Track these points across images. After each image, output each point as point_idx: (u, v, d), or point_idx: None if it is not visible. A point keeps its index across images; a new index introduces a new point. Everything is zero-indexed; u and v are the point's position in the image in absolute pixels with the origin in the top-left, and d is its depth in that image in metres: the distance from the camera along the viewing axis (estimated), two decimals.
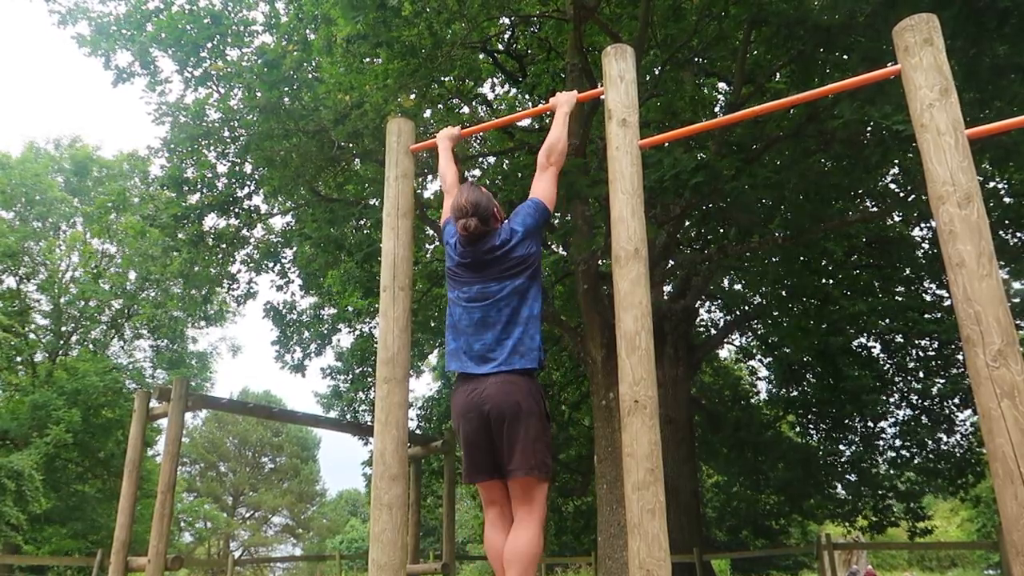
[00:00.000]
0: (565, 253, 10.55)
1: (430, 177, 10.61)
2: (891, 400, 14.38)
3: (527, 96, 11.04)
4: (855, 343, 14.20)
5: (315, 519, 42.34)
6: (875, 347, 14.37)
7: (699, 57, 9.75)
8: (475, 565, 26.66)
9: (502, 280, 2.71)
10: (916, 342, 13.80)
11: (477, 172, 11.10)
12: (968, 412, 13.68)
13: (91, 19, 8.50)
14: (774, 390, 16.01)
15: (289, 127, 7.91)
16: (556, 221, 10.51)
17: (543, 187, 2.88)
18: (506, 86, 11.82)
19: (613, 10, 9.48)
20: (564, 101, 3.04)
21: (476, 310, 2.72)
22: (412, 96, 8.12)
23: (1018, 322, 10.22)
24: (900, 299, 13.14)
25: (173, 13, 8.18)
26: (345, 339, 16.48)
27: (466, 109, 11.00)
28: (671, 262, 10.17)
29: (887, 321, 13.39)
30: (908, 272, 12.69)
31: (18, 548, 17.58)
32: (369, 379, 14.54)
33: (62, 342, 21.47)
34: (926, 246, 12.20)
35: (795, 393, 15.19)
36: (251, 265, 11.30)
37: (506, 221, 2.84)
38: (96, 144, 22.30)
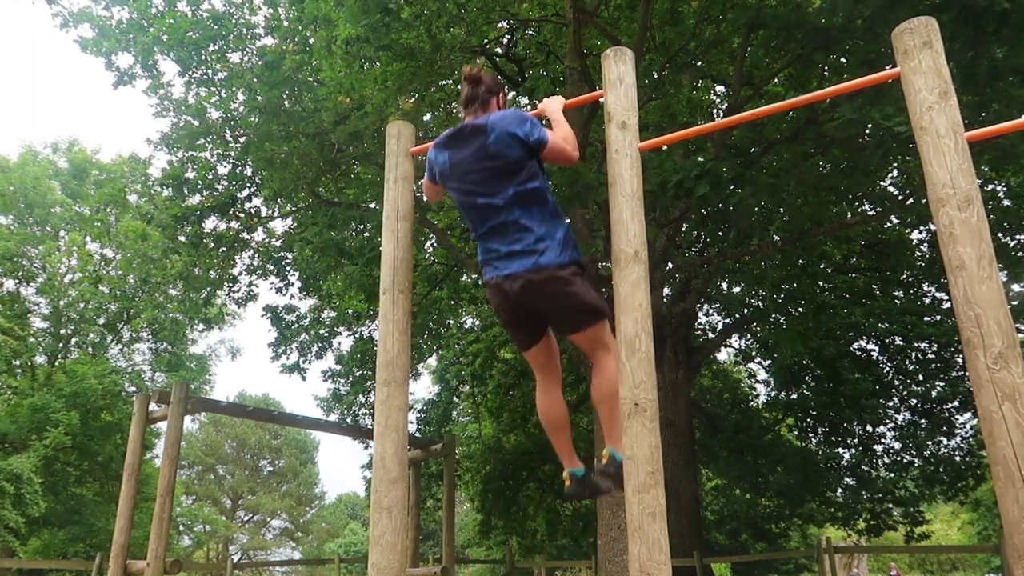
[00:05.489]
0: None
1: None
2: (890, 404, 14.37)
3: (526, 99, 11.06)
4: (854, 346, 14.19)
5: (314, 522, 42.22)
6: (874, 350, 14.36)
7: (697, 60, 9.76)
8: (474, 569, 26.61)
9: (503, 190, 2.64)
10: (915, 345, 13.80)
11: None
12: (968, 415, 13.67)
13: (94, 21, 8.53)
14: (773, 393, 16.00)
15: (290, 129, 7.91)
16: None
17: (554, 132, 2.77)
18: (505, 89, 11.82)
19: (611, 13, 9.48)
20: (555, 107, 3.03)
21: (481, 223, 2.72)
22: (411, 99, 8.11)
23: (1018, 325, 10.23)
24: (899, 302, 13.14)
25: (176, 17, 8.21)
26: (345, 342, 16.46)
27: None
28: (670, 265, 10.16)
29: (886, 324, 13.38)
30: (907, 275, 12.68)
31: (13, 552, 17.52)
32: (369, 382, 14.51)
33: (61, 345, 21.44)
34: (924, 249, 12.21)
35: (794, 396, 15.18)
36: (253, 270, 11.30)
37: (495, 117, 2.75)
38: (94, 148, 22.29)
